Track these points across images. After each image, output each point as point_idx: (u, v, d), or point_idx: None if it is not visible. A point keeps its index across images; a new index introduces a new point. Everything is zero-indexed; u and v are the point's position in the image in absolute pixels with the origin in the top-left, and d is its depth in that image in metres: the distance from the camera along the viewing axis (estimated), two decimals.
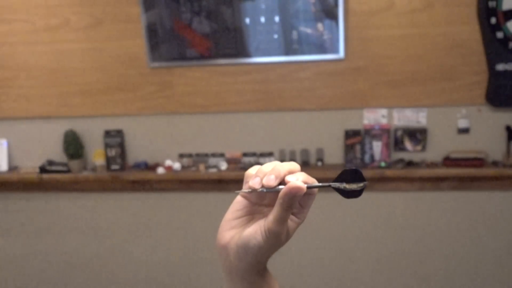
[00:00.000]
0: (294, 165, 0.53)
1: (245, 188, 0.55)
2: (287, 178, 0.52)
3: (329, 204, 2.36)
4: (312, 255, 2.53)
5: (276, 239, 0.52)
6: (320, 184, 0.52)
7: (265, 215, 0.54)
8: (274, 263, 0.67)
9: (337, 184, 0.53)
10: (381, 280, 2.50)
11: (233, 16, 2.28)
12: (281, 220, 0.51)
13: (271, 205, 0.55)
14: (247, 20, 2.28)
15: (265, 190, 0.52)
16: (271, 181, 0.51)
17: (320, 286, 2.56)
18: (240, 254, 0.53)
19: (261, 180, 0.52)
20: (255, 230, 0.52)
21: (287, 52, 2.29)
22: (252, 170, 0.55)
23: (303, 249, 2.50)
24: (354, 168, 0.52)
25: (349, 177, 0.52)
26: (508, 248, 2.38)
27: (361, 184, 0.52)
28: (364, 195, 0.54)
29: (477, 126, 2.29)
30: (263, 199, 0.56)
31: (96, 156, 2.54)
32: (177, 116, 2.49)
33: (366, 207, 2.43)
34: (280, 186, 0.51)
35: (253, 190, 0.52)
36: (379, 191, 2.38)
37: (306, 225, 0.57)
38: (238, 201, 0.56)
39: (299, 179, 0.51)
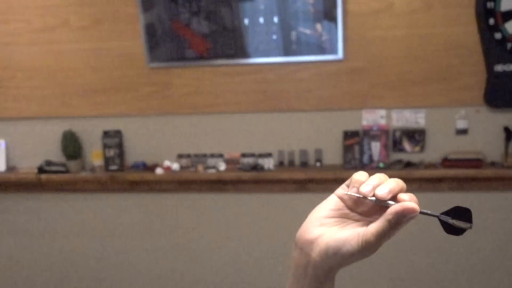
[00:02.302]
0: (403, 184, 0.53)
1: (350, 191, 0.54)
2: (401, 196, 0.51)
3: None
4: None
5: (369, 251, 0.52)
6: (430, 212, 0.53)
7: (360, 223, 0.54)
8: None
9: (445, 217, 0.52)
10: (379, 280, 2.50)
11: (232, 16, 2.28)
12: (383, 235, 0.51)
13: (364, 214, 0.55)
14: (246, 21, 2.27)
15: (374, 200, 0.52)
16: (385, 194, 0.51)
17: None
18: (328, 254, 0.53)
19: (373, 189, 0.52)
20: (352, 237, 0.52)
21: (286, 53, 2.29)
22: (360, 176, 0.55)
23: None
24: (467, 207, 0.52)
25: (458, 214, 0.52)
26: (507, 248, 2.39)
27: (468, 225, 0.52)
28: None
29: (476, 127, 2.29)
30: (358, 206, 0.56)
31: (95, 156, 2.54)
32: (175, 117, 2.49)
33: None
34: (391, 202, 0.51)
35: (364, 197, 0.52)
36: None
37: None
38: (333, 201, 0.56)
39: (412, 200, 0.51)
